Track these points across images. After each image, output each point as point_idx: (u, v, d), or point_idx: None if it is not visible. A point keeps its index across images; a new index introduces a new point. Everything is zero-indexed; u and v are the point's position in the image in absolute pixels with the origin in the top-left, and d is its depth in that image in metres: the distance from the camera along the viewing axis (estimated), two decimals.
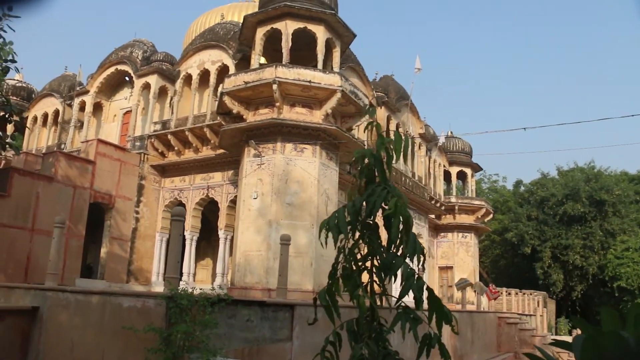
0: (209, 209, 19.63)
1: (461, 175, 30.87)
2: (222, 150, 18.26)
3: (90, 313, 6.66)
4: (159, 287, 18.94)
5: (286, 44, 15.97)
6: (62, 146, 22.71)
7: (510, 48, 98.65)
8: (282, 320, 7.57)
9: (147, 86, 20.65)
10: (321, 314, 9.64)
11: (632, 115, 11.35)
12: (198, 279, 20.46)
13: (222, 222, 18.28)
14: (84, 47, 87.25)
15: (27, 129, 24.43)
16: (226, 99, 15.65)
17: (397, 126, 23.16)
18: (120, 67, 21.73)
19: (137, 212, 19.16)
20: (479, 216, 29.31)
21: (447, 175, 30.21)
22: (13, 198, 15.55)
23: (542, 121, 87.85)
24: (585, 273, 35.83)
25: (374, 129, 3.85)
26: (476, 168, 31.22)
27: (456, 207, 28.58)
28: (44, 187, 16.40)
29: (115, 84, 22.77)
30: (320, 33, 16.33)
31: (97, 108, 22.84)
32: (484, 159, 49.02)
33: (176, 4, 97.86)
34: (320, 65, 16.11)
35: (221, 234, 18.26)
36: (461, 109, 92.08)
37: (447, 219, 28.80)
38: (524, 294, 28.93)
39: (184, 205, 19.45)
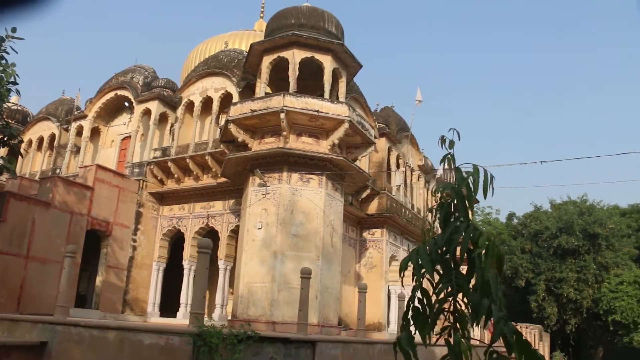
0: (205, 237, 19.21)
1: None
2: (223, 179, 17.98)
3: (106, 350, 6.25)
4: (154, 318, 18.43)
5: (293, 73, 15.89)
6: (58, 171, 22.28)
7: (504, 77, 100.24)
8: (304, 357, 7.24)
9: (147, 112, 20.41)
10: (339, 350, 9.14)
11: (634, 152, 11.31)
12: None
13: (222, 252, 17.88)
14: (80, 71, 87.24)
15: (23, 152, 23.96)
16: (231, 127, 15.44)
17: (398, 157, 23.05)
18: (120, 92, 21.49)
19: (134, 241, 18.71)
20: None
21: None
22: (8, 223, 15.08)
23: (537, 152, 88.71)
24: (579, 306, 35.59)
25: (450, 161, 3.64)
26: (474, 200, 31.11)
27: None
28: (41, 213, 15.95)
29: (114, 110, 22.51)
30: (328, 63, 16.28)
31: (95, 133, 22.51)
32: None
33: (175, 31, 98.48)
34: (327, 95, 16.02)
35: (221, 264, 17.83)
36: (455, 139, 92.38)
37: None
38: (521, 327, 28.54)
39: (182, 234, 19.07)
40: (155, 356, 5.80)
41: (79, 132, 22.62)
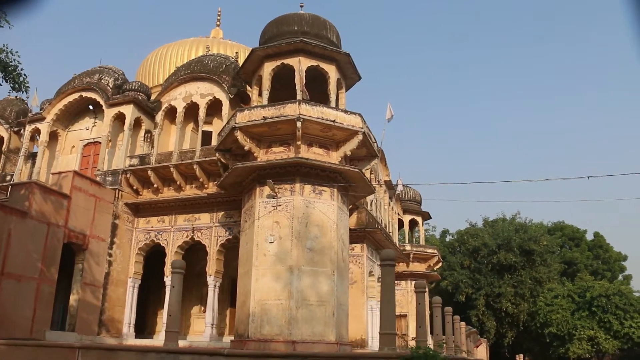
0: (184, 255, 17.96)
1: (412, 224, 31.16)
2: (211, 190, 17.07)
3: None
4: (131, 340, 16.93)
5: (300, 81, 15.35)
6: (8, 178, 20.07)
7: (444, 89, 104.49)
8: None
9: (120, 117, 18.92)
10: None
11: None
12: (196, 329, 18.59)
13: (211, 268, 16.79)
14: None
15: None
16: (238, 134, 14.56)
17: (370, 172, 22.91)
18: (87, 94, 19.77)
19: (110, 255, 17.15)
20: (431, 264, 29.55)
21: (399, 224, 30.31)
22: None
23: (477, 171, 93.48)
24: (516, 320, 37.16)
25: None
26: (426, 216, 31.68)
27: (411, 255, 28.60)
28: (17, 223, 14.21)
29: (75, 113, 20.68)
30: (332, 72, 15.97)
31: (52, 138, 20.53)
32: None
33: (121, 38, 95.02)
34: (332, 104, 15.59)
35: (210, 280, 16.74)
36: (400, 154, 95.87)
37: (401, 267, 28.67)
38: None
39: (163, 249, 17.73)
40: None
41: (33, 136, 20.58)
